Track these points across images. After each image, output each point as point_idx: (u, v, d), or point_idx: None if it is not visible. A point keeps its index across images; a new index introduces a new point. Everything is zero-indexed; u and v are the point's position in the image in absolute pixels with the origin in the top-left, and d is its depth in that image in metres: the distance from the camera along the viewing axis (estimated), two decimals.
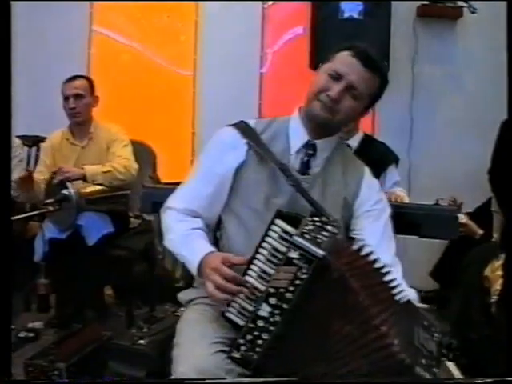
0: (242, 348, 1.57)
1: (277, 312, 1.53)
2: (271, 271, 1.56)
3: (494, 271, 2.96)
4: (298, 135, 1.88)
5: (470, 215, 3.70)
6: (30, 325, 3.47)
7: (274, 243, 1.56)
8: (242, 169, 1.84)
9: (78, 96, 3.64)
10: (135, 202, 3.46)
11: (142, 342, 2.44)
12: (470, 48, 4.68)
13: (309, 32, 4.40)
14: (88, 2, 4.66)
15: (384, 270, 1.58)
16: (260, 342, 1.56)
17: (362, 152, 3.22)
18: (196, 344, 1.66)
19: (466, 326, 3.15)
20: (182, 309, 2.02)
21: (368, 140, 3.35)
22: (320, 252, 1.48)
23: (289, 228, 1.56)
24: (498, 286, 2.92)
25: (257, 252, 1.58)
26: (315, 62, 4.28)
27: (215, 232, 1.92)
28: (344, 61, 1.80)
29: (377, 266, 1.58)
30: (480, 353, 3.00)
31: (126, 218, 3.70)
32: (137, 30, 4.72)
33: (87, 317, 3.49)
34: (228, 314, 1.62)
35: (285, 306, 1.53)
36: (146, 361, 2.35)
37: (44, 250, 3.39)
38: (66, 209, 3.32)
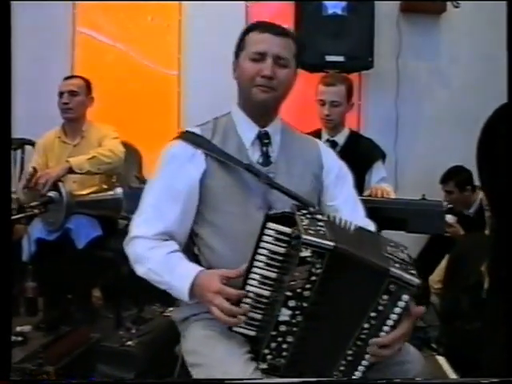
0: (269, 357, 1.57)
1: (298, 312, 1.53)
2: (273, 275, 1.55)
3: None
4: (247, 128, 1.87)
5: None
6: (19, 329, 3.43)
7: (271, 247, 1.53)
8: (205, 178, 1.78)
9: (71, 93, 3.67)
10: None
11: (130, 343, 2.43)
12: (453, 43, 4.72)
13: (293, 30, 4.39)
14: (71, 2, 4.64)
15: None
16: (285, 346, 1.56)
17: (348, 148, 3.23)
18: (227, 363, 1.60)
19: (459, 318, 3.17)
20: (171, 308, 2.00)
21: (354, 136, 3.35)
22: (331, 244, 1.48)
23: (285, 229, 1.53)
24: None
25: (253, 259, 1.55)
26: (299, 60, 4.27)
27: (188, 248, 1.84)
28: (257, 40, 1.81)
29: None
30: (473, 345, 3.02)
31: (115, 221, 3.68)
32: (121, 30, 4.70)
33: (75, 319, 3.46)
34: (236, 328, 1.60)
35: (305, 304, 1.52)
36: (135, 362, 2.34)
37: (30, 252, 3.37)
38: (55, 209, 3.31)
